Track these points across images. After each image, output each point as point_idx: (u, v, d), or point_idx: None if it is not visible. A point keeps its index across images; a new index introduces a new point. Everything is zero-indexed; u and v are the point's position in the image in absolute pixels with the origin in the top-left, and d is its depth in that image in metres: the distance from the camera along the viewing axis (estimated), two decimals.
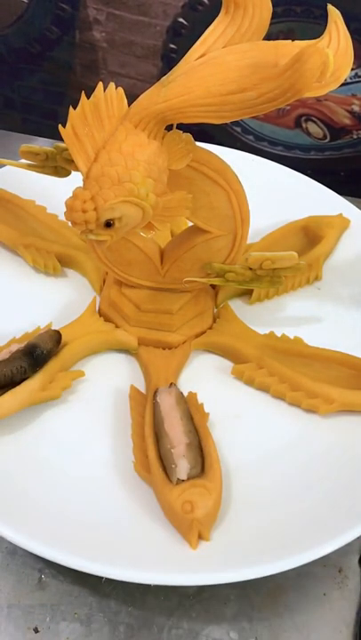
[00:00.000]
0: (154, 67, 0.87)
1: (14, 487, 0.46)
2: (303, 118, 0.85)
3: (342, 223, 0.68)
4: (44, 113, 0.98)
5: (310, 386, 0.53)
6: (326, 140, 0.86)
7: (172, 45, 0.84)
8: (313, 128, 0.85)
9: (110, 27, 0.85)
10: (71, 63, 0.91)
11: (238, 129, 0.88)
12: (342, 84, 0.44)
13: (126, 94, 0.45)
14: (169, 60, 0.85)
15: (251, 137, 0.89)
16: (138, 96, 0.44)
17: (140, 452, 0.49)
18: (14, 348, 0.51)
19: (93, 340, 0.56)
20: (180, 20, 0.81)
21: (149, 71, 0.87)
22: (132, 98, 0.45)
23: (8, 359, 0.50)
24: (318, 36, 0.43)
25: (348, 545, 0.44)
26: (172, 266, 0.55)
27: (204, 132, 0.82)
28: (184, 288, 0.57)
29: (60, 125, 0.44)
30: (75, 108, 0.43)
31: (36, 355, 0.51)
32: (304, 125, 0.85)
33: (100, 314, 0.59)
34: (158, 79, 0.44)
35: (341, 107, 0.82)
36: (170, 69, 0.44)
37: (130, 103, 0.45)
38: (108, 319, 0.59)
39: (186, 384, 0.55)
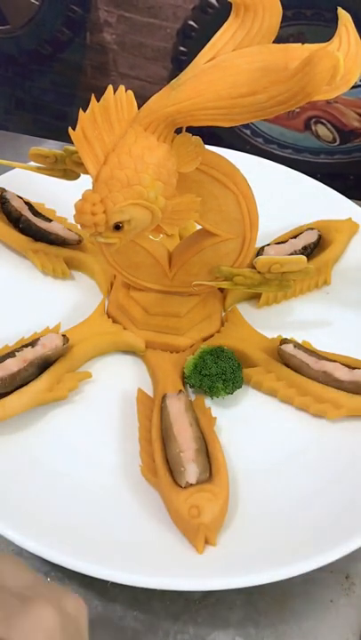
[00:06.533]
0: (164, 69, 0.87)
1: (21, 489, 0.46)
2: (313, 120, 0.85)
3: (351, 227, 0.68)
4: (55, 114, 0.99)
5: (318, 390, 0.52)
6: (336, 144, 0.85)
7: (183, 48, 0.84)
8: (322, 131, 0.85)
9: (121, 29, 0.85)
10: (82, 65, 0.91)
11: (248, 131, 0.88)
12: (352, 87, 0.44)
13: (136, 96, 0.45)
14: (179, 63, 0.85)
15: (260, 139, 0.89)
16: (148, 98, 0.44)
17: (148, 455, 0.49)
18: (27, 354, 0.51)
19: (101, 341, 0.57)
20: (191, 22, 0.81)
21: (159, 73, 0.88)
22: (141, 100, 0.45)
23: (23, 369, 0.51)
24: (329, 40, 0.42)
25: (356, 551, 0.44)
26: (181, 269, 0.55)
27: (213, 135, 0.82)
28: (192, 291, 0.57)
29: (70, 128, 0.44)
30: (85, 109, 0.43)
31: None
32: (314, 128, 0.85)
33: (109, 316, 0.59)
34: (168, 81, 0.44)
35: (351, 109, 0.82)
36: (180, 72, 0.44)
37: (140, 105, 0.45)
38: (115, 322, 0.59)
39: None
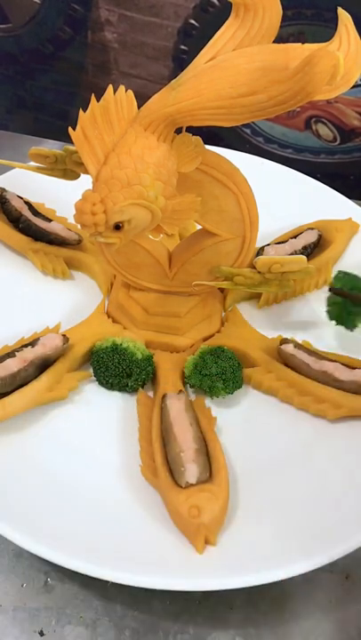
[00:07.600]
0: (165, 68, 0.87)
1: (20, 489, 0.46)
2: (313, 120, 0.85)
3: (352, 227, 0.68)
4: (56, 113, 0.99)
5: (318, 390, 0.52)
6: (336, 143, 0.85)
7: (183, 47, 0.84)
8: (323, 130, 0.85)
9: (122, 27, 0.85)
10: (83, 63, 0.91)
11: (248, 131, 0.88)
12: (353, 86, 0.44)
13: (137, 95, 0.45)
14: (180, 61, 0.85)
15: (261, 139, 0.89)
16: (149, 97, 0.44)
17: (148, 455, 0.49)
18: (27, 354, 0.51)
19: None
20: (191, 21, 0.81)
21: (160, 72, 0.87)
22: (142, 98, 0.45)
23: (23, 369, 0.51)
24: (329, 40, 0.42)
25: (356, 551, 0.44)
26: (181, 269, 0.55)
27: (213, 134, 0.82)
28: (192, 291, 0.57)
29: (70, 128, 0.44)
30: (86, 108, 0.43)
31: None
32: (314, 127, 0.85)
33: (108, 316, 0.59)
34: (169, 80, 0.44)
35: (351, 108, 0.82)
36: (181, 70, 0.44)
37: (141, 104, 0.45)
38: (115, 322, 0.59)
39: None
